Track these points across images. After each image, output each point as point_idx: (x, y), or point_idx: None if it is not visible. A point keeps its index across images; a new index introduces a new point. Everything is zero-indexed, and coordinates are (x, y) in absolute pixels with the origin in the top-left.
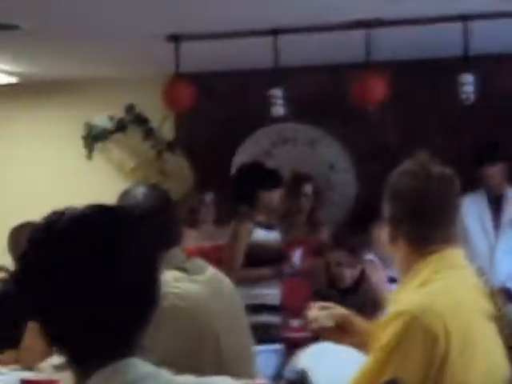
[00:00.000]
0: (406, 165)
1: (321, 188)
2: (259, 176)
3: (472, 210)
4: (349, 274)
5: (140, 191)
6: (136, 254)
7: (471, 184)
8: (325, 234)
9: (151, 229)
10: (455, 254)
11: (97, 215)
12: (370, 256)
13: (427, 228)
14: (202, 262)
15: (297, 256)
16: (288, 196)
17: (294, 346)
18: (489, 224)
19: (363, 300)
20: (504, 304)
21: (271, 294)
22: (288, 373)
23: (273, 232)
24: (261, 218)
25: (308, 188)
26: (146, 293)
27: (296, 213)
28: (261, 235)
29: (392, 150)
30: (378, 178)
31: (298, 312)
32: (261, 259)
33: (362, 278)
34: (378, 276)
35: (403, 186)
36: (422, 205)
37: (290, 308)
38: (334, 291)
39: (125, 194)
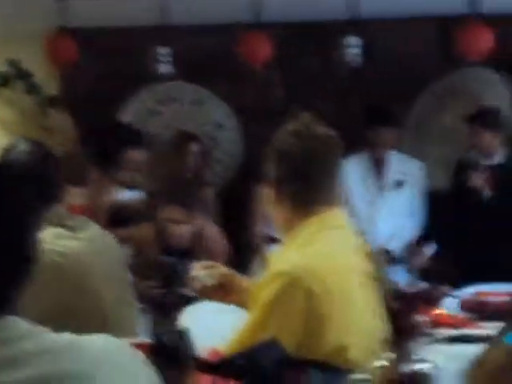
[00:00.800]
0: (290, 125)
1: (207, 147)
2: (121, 135)
3: (355, 172)
4: (184, 231)
5: (21, 147)
6: (8, 213)
7: (355, 146)
8: (210, 194)
9: (31, 186)
10: (337, 215)
11: None
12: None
13: (310, 188)
14: (86, 220)
15: None
16: (174, 155)
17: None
18: (371, 186)
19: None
20: (383, 265)
21: None
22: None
23: (137, 192)
24: (125, 177)
25: (194, 147)
26: (21, 250)
27: (182, 172)
28: (125, 195)
29: (278, 110)
30: (265, 138)
31: None
32: (124, 219)
33: (200, 237)
34: (214, 231)
35: (287, 146)
36: (306, 165)
37: None
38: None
39: (6, 150)
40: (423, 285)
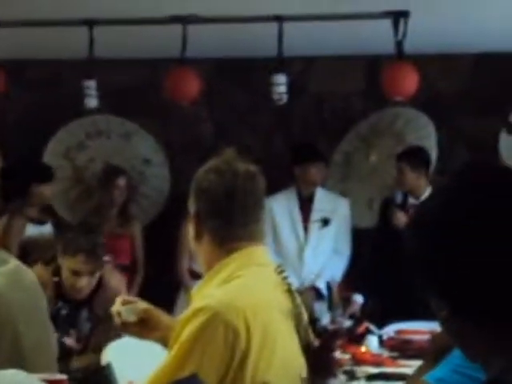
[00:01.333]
0: (213, 162)
1: (134, 182)
2: (30, 170)
3: (282, 208)
4: (86, 283)
5: None
6: None
7: (283, 182)
8: (137, 229)
9: None
10: (259, 252)
11: None
12: (106, 257)
13: (231, 225)
14: (5, 254)
15: None
16: (100, 189)
17: None
18: (299, 223)
19: (99, 311)
20: (307, 302)
21: None
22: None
23: (46, 226)
24: (33, 213)
25: (121, 181)
26: None
27: (108, 206)
28: (33, 231)
29: (206, 145)
30: (193, 174)
31: None
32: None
33: (99, 285)
34: (115, 279)
35: (208, 182)
36: (227, 202)
37: None
38: (65, 305)
39: None
40: (347, 322)
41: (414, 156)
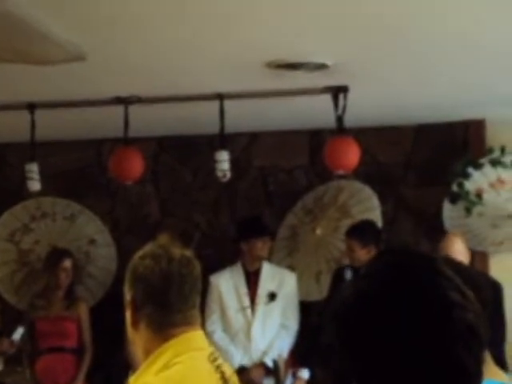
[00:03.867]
0: (148, 247)
1: (81, 263)
2: None
3: (229, 285)
4: None
5: None
6: None
7: (230, 258)
8: (83, 310)
9: None
10: (196, 337)
11: None
12: None
13: (167, 311)
14: None
15: (17, 333)
16: (46, 271)
17: None
18: (245, 298)
19: None
20: (261, 379)
21: None
22: None
23: None
24: None
25: (67, 263)
26: None
27: (54, 288)
28: None
29: (152, 224)
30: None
31: None
32: None
33: None
34: None
35: (144, 268)
36: (162, 288)
37: None
38: None
39: None
40: None
41: (363, 232)
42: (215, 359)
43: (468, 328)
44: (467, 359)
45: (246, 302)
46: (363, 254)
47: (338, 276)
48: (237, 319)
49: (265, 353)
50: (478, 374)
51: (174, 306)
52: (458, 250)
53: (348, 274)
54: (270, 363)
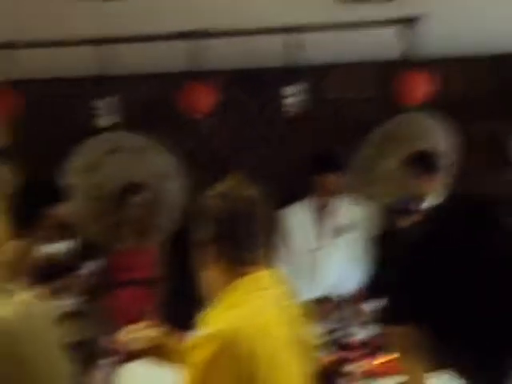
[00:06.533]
0: (216, 188)
1: (152, 197)
2: (44, 191)
3: (299, 220)
4: None
5: None
6: None
7: (299, 193)
8: (156, 243)
9: None
10: (264, 276)
11: None
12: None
13: (236, 250)
14: (13, 285)
15: (87, 266)
16: (118, 205)
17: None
18: (316, 233)
19: None
20: (327, 313)
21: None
22: None
23: (64, 243)
24: (49, 231)
25: (138, 198)
26: None
27: (127, 222)
28: (50, 249)
29: (222, 159)
30: (209, 187)
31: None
32: (51, 272)
33: None
34: None
35: (211, 208)
36: (231, 227)
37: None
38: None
39: None
40: (361, 333)
41: (423, 161)
42: (282, 298)
43: None
44: None
45: (315, 238)
46: (423, 182)
47: (390, 207)
48: (304, 256)
49: (332, 287)
50: None
51: (242, 244)
52: None
53: (401, 203)
54: (337, 297)
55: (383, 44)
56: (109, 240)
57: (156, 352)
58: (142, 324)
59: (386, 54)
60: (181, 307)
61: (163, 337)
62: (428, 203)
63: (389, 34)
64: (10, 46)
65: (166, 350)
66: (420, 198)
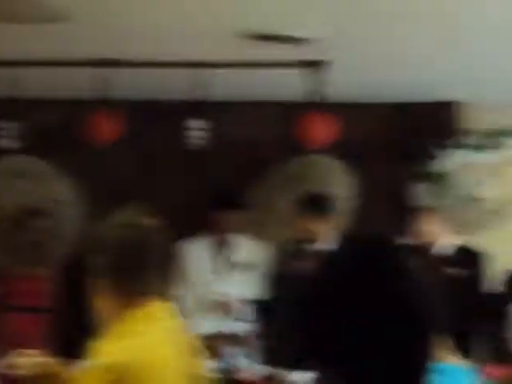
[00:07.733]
0: (114, 217)
1: (51, 223)
2: None
3: (199, 256)
4: None
5: None
6: None
7: (196, 229)
8: (51, 270)
9: None
10: (158, 308)
11: None
12: None
13: (130, 281)
14: None
15: None
16: (16, 229)
17: None
18: (216, 269)
19: None
20: (218, 351)
21: None
22: None
23: None
24: None
25: (36, 223)
26: None
27: (24, 247)
28: None
29: (123, 188)
30: (108, 216)
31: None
32: None
33: None
34: None
35: (107, 237)
36: (125, 257)
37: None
38: None
39: None
40: (263, 369)
41: (316, 203)
42: (175, 331)
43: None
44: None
45: (211, 272)
46: (315, 224)
47: (285, 249)
48: (200, 289)
49: (227, 323)
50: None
51: (136, 275)
52: (431, 230)
53: (294, 246)
54: (239, 333)
55: (288, 85)
56: (4, 264)
57: (44, 381)
58: (31, 351)
59: (290, 94)
60: (72, 336)
61: (52, 365)
62: (320, 246)
63: (295, 76)
64: None
65: (55, 378)
66: (310, 240)
